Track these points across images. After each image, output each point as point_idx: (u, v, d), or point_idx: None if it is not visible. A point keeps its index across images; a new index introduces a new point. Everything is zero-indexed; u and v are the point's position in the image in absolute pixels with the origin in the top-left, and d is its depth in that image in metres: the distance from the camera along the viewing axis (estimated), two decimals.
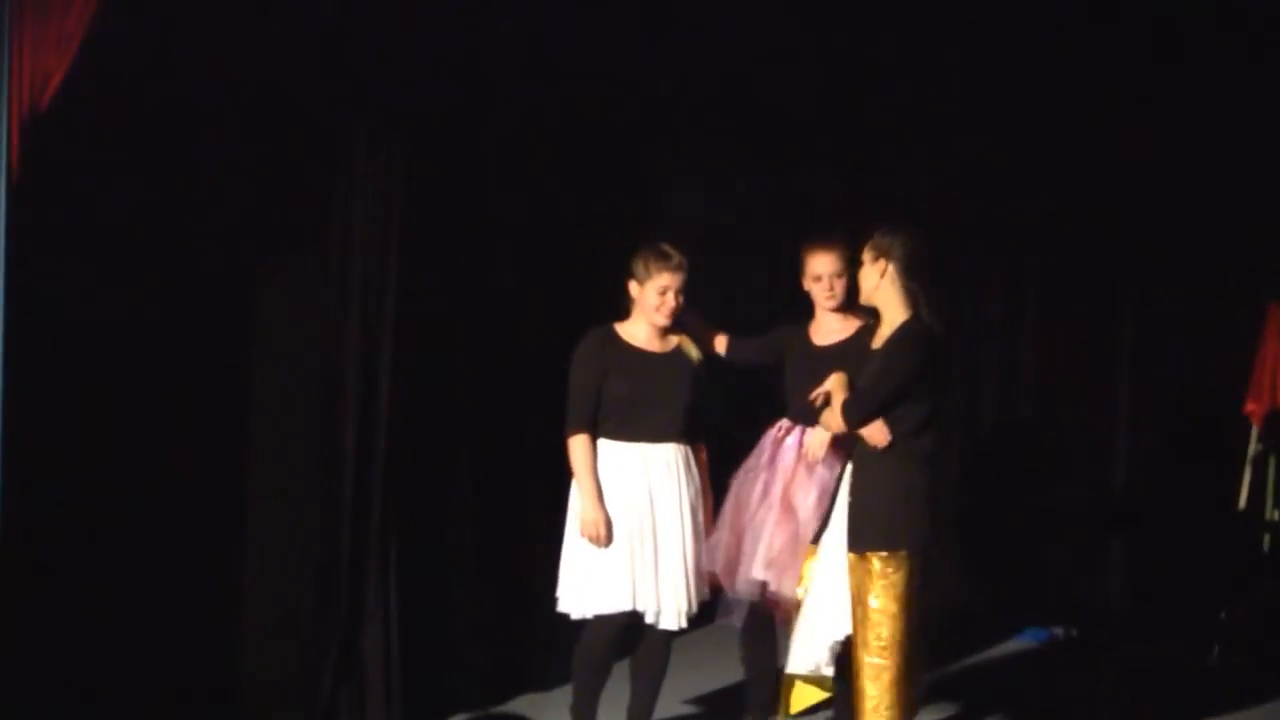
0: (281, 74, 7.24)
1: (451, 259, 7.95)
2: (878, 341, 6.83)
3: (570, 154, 8.32)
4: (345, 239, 7.56)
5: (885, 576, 6.67)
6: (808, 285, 7.44)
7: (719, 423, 7.48)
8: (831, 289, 7.35)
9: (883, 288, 6.76)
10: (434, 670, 7.86)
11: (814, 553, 7.02)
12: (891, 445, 6.69)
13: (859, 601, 6.71)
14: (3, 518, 6.56)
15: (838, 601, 6.83)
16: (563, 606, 7.32)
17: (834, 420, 6.87)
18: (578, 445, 7.26)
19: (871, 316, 6.97)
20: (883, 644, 6.67)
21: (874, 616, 6.67)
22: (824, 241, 7.36)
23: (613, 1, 8.30)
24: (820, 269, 7.37)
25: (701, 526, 7.35)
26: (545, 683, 7.90)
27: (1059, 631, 9.49)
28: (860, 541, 6.75)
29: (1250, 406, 9.12)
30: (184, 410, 7.15)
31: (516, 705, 8.05)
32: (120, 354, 6.96)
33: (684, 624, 7.28)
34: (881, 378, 6.77)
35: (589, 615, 7.25)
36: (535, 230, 8.17)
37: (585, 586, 7.25)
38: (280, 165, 7.32)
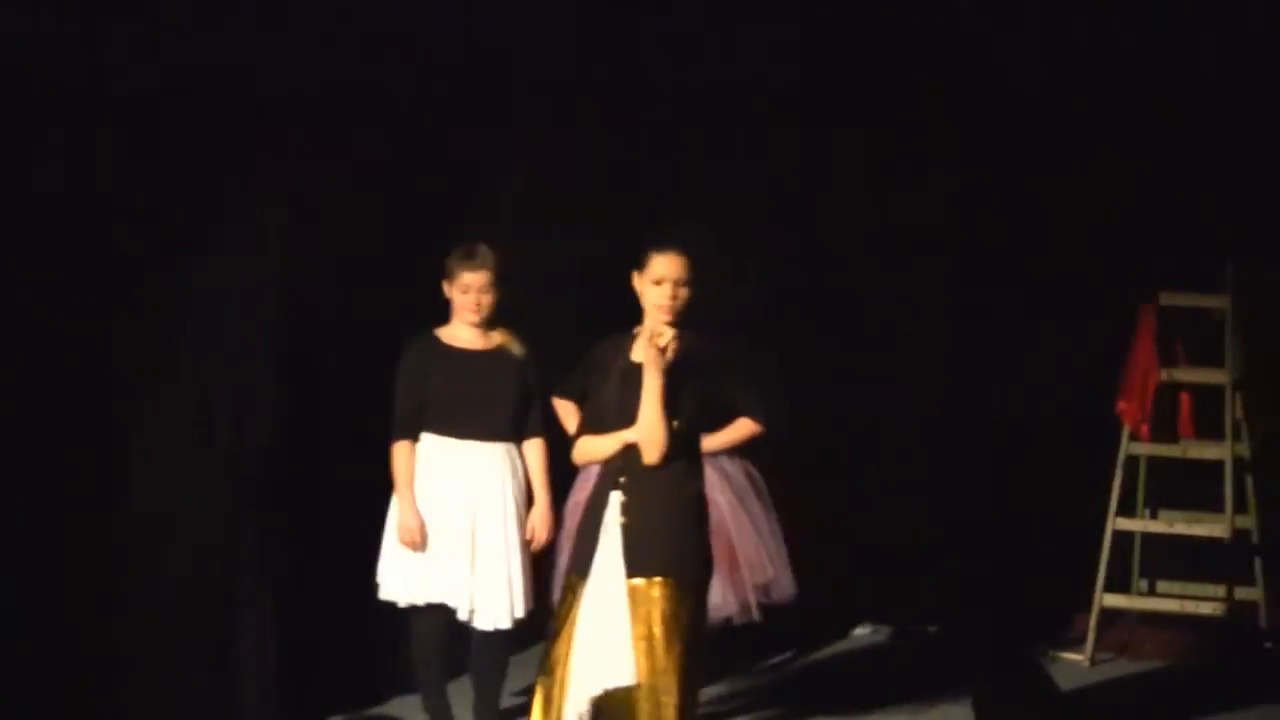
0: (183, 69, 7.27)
1: (335, 258, 7.94)
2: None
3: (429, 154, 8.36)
4: (233, 231, 7.57)
5: (675, 601, 6.22)
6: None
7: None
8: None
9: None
10: (309, 670, 7.83)
11: (579, 584, 6.37)
12: (688, 458, 6.37)
13: (646, 633, 6.20)
14: None
15: (612, 641, 6.25)
16: (384, 593, 7.37)
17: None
18: (397, 453, 7.33)
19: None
20: (674, 677, 6.20)
21: (661, 646, 6.20)
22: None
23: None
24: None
25: (523, 525, 7.37)
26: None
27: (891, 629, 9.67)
28: (649, 566, 6.26)
29: (1122, 406, 9.19)
30: (61, 405, 7.07)
31: (390, 707, 8.06)
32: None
33: (504, 625, 7.27)
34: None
35: (409, 603, 7.32)
36: (416, 228, 8.14)
37: (406, 574, 7.32)
38: (168, 165, 7.30)
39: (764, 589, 7.95)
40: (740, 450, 7.90)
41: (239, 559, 7.60)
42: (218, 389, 7.58)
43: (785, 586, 8.01)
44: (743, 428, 7.38)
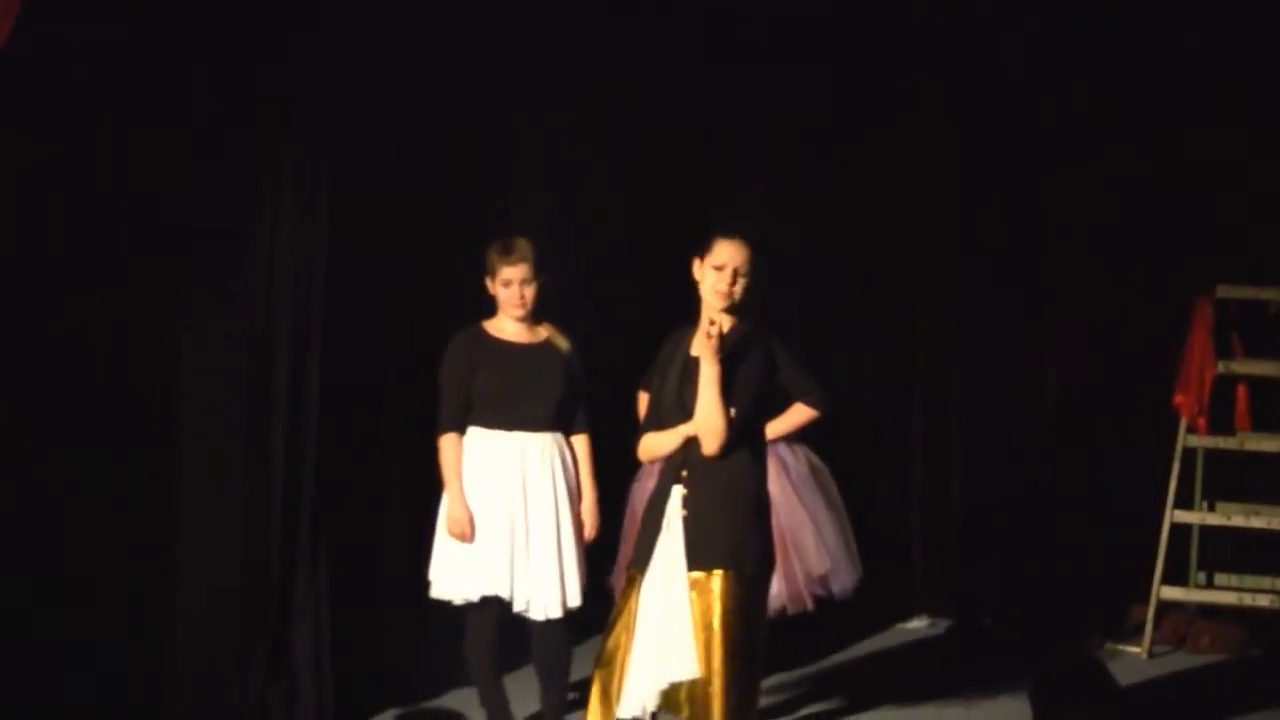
0: (208, 71, 7.26)
1: (380, 258, 7.96)
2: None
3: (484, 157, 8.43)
4: (274, 236, 7.57)
5: (735, 594, 6.18)
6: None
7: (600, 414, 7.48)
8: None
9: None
10: (364, 666, 7.87)
11: (638, 577, 6.36)
12: (749, 449, 6.32)
13: (706, 625, 6.16)
14: None
15: (674, 634, 6.20)
16: (436, 592, 7.34)
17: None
18: (445, 445, 7.31)
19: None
20: (733, 670, 6.17)
21: (720, 639, 6.15)
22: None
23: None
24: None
25: (577, 517, 7.37)
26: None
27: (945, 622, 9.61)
28: (708, 559, 6.22)
29: (1179, 399, 9.16)
30: (110, 408, 7.08)
31: (447, 700, 8.06)
32: (46, 351, 6.89)
33: (556, 614, 7.25)
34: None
35: (462, 600, 7.29)
36: (463, 226, 8.13)
37: (457, 572, 7.29)
38: (207, 163, 7.31)
39: (822, 581, 7.91)
40: (804, 438, 7.88)
41: (295, 554, 7.60)
42: (268, 385, 7.58)
43: (845, 580, 7.98)
44: (799, 413, 7.42)
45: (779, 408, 7.19)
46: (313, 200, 7.59)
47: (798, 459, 7.96)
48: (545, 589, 7.26)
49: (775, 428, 7.29)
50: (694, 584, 6.21)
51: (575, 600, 7.31)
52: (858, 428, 9.36)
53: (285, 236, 7.57)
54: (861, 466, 9.15)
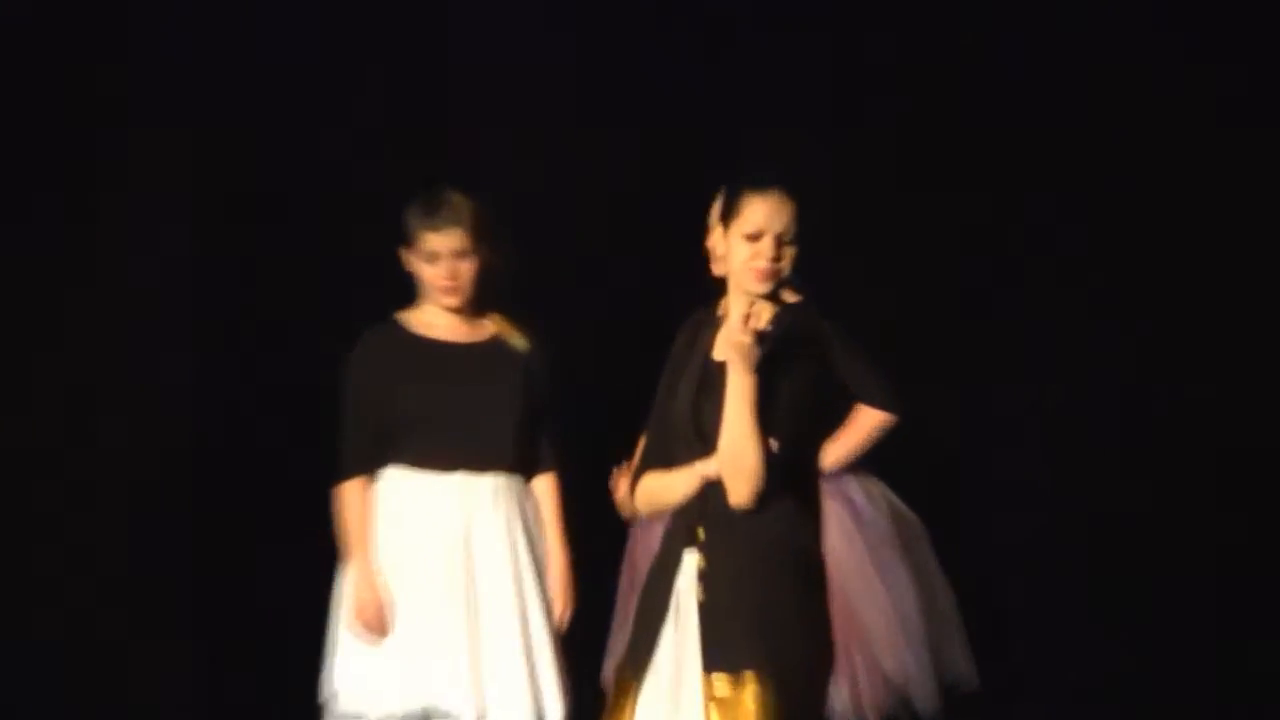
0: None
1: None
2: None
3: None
4: (141, 227, 7.42)
5: (776, 708, 5.12)
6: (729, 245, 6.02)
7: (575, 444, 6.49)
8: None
9: None
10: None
11: (633, 684, 5.31)
12: (796, 496, 5.34)
13: None
14: None
15: None
16: (343, 708, 6.19)
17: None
18: (347, 495, 6.22)
19: None
20: None
21: None
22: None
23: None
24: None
25: (544, 589, 6.28)
26: None
27: None
28: (737, 656, 5.22)
29: None
30: None
31: None
32: None
33: None
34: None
35: (381, 717, 6.17)
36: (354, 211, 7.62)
37: (371, 677, 6.15)
38: (75, 149, 7.34)
39: (897, 688, 6.43)
40: (877, 472, 6.58)
41: (177, 566, 7.38)
42: (150, 380, 7.39)
43: (931, 688, 6.45)
44: (866, 420, 6.26)
45: (833, 425, 6.16)
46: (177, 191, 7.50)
47: (873, 503, 6.49)
48: (509, 698, 6.12)
49: (835, 450, 6.16)
50: (715, 695, 5.19)
51: (556, 712, 6.19)
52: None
53: (153, 223, 7.42)
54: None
